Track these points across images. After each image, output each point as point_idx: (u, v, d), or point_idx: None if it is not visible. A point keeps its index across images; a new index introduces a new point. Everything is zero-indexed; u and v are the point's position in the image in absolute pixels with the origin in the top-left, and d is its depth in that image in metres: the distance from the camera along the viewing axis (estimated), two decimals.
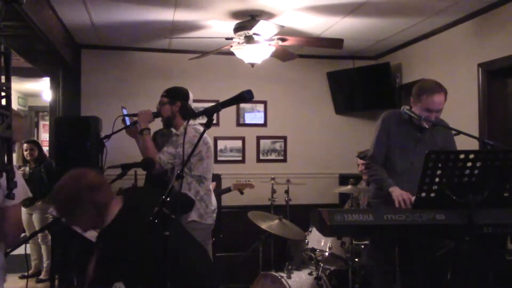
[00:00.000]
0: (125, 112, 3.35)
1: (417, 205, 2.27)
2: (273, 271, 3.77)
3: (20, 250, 2.23)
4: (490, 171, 2.16)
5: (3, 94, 1.36)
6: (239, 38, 3.98)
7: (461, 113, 3.99)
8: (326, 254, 3.62)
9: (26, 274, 5.05)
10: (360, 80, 5.43)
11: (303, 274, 3.71)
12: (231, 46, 4.12)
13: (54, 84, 5.37)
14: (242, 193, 4.70)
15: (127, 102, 4.41)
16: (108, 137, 3.14)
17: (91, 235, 2.71)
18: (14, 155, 2.97)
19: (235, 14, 3.95)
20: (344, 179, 5.25)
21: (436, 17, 4.09)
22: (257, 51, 4.02)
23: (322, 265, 3.65)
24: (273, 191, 4.37)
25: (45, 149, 5.97)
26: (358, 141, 5.40)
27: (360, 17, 4.09)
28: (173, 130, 3.30)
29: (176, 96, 3.18)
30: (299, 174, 5.37)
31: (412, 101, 2.85)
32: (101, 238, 1.98)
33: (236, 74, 5.30)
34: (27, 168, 5.21)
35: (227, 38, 4.11)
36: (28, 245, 5.05)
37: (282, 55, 4.44)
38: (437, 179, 2.18)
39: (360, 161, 4.32)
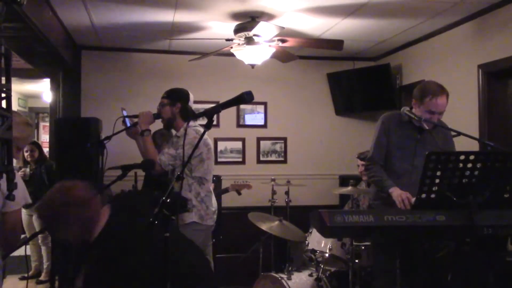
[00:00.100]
0: (124, 113, 3.35)
1: (417, 206, 2.27)
2: (273, 272, 3.76)
3: (20, 252, 2.23)
4: (490, 172, 2.16)
5: (3, 95, 1.36)
6: (239, 39, 3.98)
7: (461, 114, 3.99)
8: (327, 255, 3.61)
9: (26, 275, 5.06)
10: (360, 81, 5.43)
11: (303, 275, 3.71)
12: (231, 47, 4.12)
13: (54, 85, 5.37)
14: (239, 193, 4.71)
15: (127, 103, 4.42)
16: (108, 138, 3.14)
17: None
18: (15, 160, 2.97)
19: (235, 15, 3.95)
20: (344, 180, 5.25)
21: (436, 19, 4.09)
22: (257, 52, 4.02)
23: (322, 266, 3.65)
24: (273, 192, 4.37)
25: (45, 150, 5.97)
26: (358, 142, 5.41)
27: (360, 19, 4.09)
28: (173, 131, 3.30)
29: (177, 97, 3.19)
30: (299, 175, 5.37)
31: (414, 102, 2.85)
32: (89, 252, 1.92)
33: (236, 75, 5.30)
34: (28, 169, 5.21)
35: (227, 39, 4.11)
36: (28, 247, 5.05)
37: (282, 56, 4.44)
38: (437, 180, 2.18)
39: (360, 162, 4.32)
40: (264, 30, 3.75)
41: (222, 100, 1.90)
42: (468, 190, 2.17)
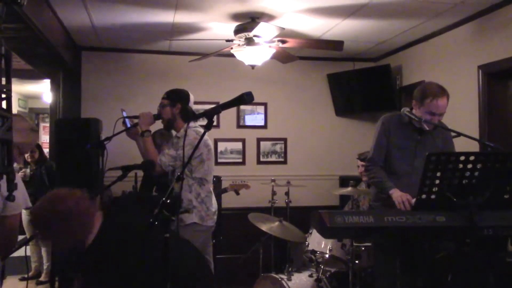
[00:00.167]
0: (124, 114, 3.35)
1: (417, 207, 2.27)
2: (273, 273, 3.76)
3: (20, 252, 2.22)
4: (490, 173, 2.16)
5: (3, 96, 1.36)
6: (239, 40, 3.99)
7: (462, 114, 3.99)
8: (327, 256, 3.61)
9: (26, 276, 5.06)
10: (361, 82, 5.43)
11: (303, 276, 3.70)
12: (232, 48, 4.12)
13: (55, 86, 5.37)
14: (238, 193, 4.70)
15: (127, 104, 4.43)
16: (108, 139, 3.13)
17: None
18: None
19: (236, 16, 3.95)
20: (344, 181, 5.25)
21: (436, 19, 4.09)
22: (257, 53, 4.02)
23: (322, 267, 3.64)
24: (273, 193, 4.37)
25: (46, 151, 5.97)
26: (358, 143, 5.41)
27: (360, 19, 4.10)
28: (174, 132, 3.30)
29: (177, 98, 3.19)
30: (299, 176, 5.37)
31: (414, 103, 2.84)
32: (84, 259, 1.91)
33: (236, 76, 5.30)
34: (28, 170, 5.21)
35: (227, 40, 4.11)
36: (28, 247, 5.05)
37: (283, 57, 4.44)
38: (437, 181, 2.18)
39: (360, 163, 4.31)
40: (264, 31, 3.75)
41: (222, 100, 1.90)
42: (468, 191, 2.17)
